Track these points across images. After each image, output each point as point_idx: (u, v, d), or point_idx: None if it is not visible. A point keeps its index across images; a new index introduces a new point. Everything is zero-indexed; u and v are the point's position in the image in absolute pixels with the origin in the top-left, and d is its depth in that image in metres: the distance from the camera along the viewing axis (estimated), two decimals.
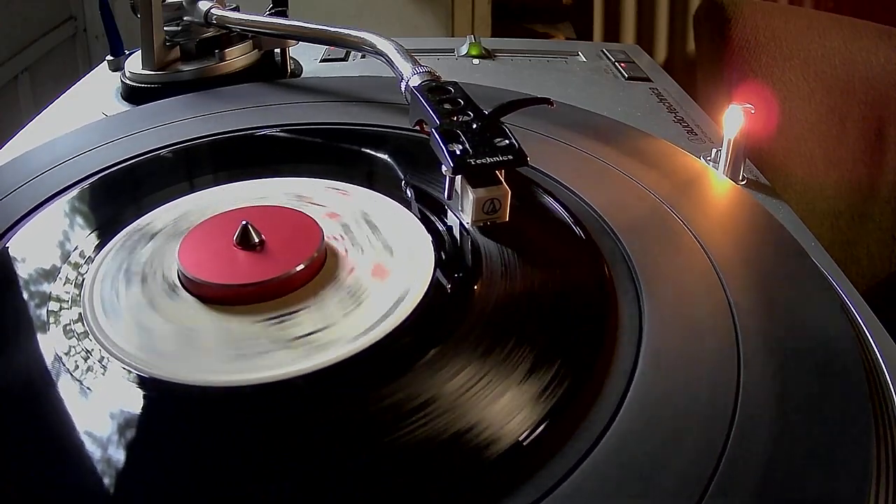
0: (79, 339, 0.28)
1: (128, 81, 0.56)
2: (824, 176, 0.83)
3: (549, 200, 0.37)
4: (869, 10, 0.95)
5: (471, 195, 0.32)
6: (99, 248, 0.34)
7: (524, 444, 0.24)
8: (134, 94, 0.55)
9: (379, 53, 0.44)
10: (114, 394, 0.26)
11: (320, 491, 0.23)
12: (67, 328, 0.29)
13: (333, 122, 0.46)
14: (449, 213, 0.35)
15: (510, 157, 0.31)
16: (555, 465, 0.23)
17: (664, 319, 0.29)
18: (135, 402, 0.26)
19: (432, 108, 0.34)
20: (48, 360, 0.28)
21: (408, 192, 0.38)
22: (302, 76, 0.60)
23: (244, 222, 0.31)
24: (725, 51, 0.87)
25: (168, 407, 0.26)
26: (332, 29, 0.49)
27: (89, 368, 0.27)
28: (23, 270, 0.33)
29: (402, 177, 0.39)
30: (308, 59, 0.64)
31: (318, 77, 0.58)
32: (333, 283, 0.31)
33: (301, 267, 0.30)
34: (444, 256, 0.33)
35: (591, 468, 0.23)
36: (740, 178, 0.44)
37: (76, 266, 0.33)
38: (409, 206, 0.36)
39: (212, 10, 0.55)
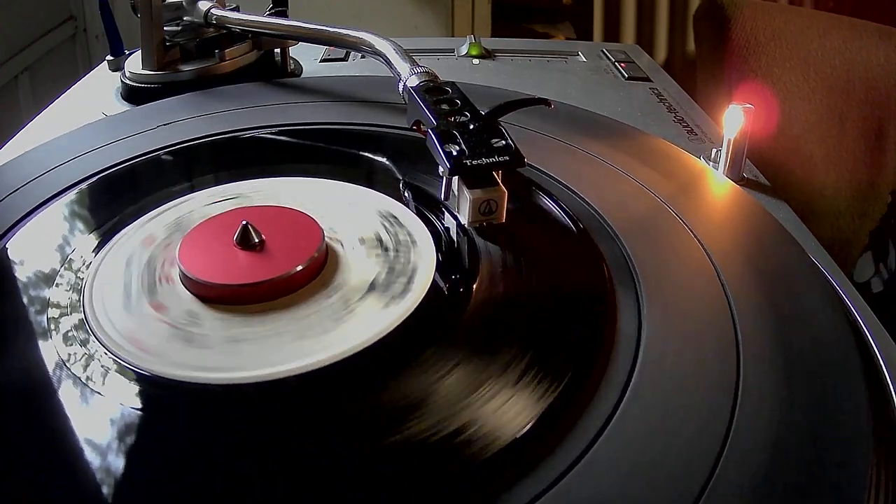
0: (78, 341, 0.28)
1: (128, 81, 0.56)
2: (824, 176, 0.83)
3: (549, 200, 0.37)
4: (869, 10, 0.95)
5: (467, 196, 0.32)
6: (98, 248, 0.34)
7: (522, 443, 0.24)
8: (134, 94, 0.55)
9: (377, 53, 0.44)
10: (113, 394, 0.26)
11: (320, 491, 0.23)
12: (65, 330, 0.29)
13: (333, 122, 0.46)
14: (447, 213, 0.35)
15: (507, 158, 0.31)
16: (553, 463, 0.23)
17: (664, 319, 0.29)
18: (134, 401, 0.26)
19: (429, 109, 0.34)
20: (47, 361, 0.28)
21: (406, 192, 0.38)
22: (302, 76, 0.60)
23: (244, 222, 0.31)
24: (725, 51, 0.87)
25: (167, 406, 0.26)
26: (332, 29, 0.49)
27: (88, 370, 0.27)
28: (21, 271, 0.33)
29: (401, 177, 0.39)
30: (308, 59, 0.64)
31: (318, 77, 0.58)
32: (332, 283, 0.31)
33: (301, 267, 0.30)
34: (442, 258, 0.33)
35: (589, 467, 0.23)
36: (740, 178, 0.44)
37: (75, 267, 0.33)
38: (406, 206, 0.36)
39: (212, 10, 0.55)
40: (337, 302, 0.30)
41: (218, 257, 0.31)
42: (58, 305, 0.30)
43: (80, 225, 0.37)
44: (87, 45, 1.37)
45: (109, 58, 0.62)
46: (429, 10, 1.39)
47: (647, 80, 0.62)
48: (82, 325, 0.29)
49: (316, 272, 0.31)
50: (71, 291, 0.31)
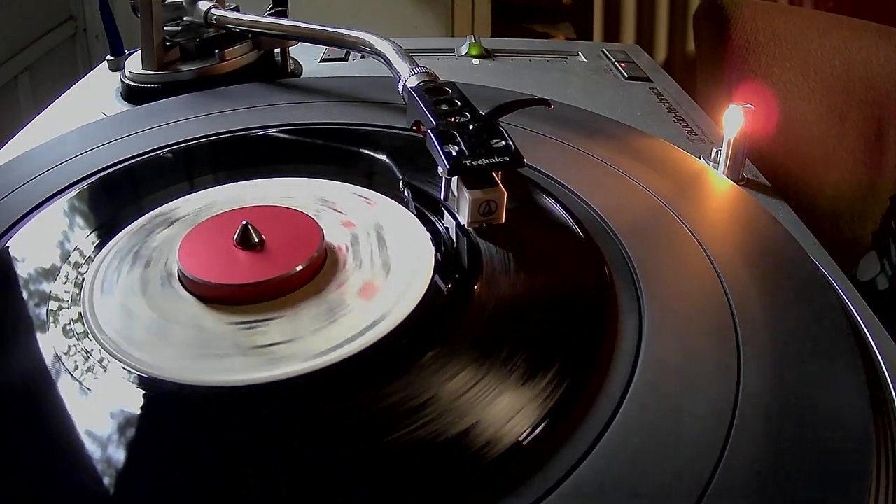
0: (78, 339, 0.28)
1: (128, 81, 0.56)
2: (824, 176, 0.83)
3: (549, 201, 0.37)
4: (869, 10, 0.95)
5: (467, 197, 0.32)
6: (99, 247, 0.34)
7: (523, 444, 0.24)
8: (134, 94, 0.55)
9: (377, 53, 0.44)
10: (113, 394, 0.26)
11: (321, 491, 0.23)
12: (67, 328, 0.29)
13: (333, 122, 0.46)
14: (446, 213, 0.35)
15: (506, 158, 0.31)
16: (554, 465, 0.23)
17: (664, 320, 0.29)
18: (133, 401, 0.26)
19: (429, 109, 0.34)
20: (47, 359, 0.28)
21: (405, 192, 0.38)
22: (302, 76, 0.60)
23: (244, 222, 0.31)
24: (725, 51, 0.87)
25: (166, 406, 0.26)
26: (331, 29, 0.49)
27: (88, 368, 0.27)
28: (22, 270, 0.33)
29: (400, 177, 0.39)
30: (308, 59, 0.64)
31: (318, 77, 0.58)
32: (332, 282, 0.31)
33: (301, 267, 0.30)
34: (441, 258, 0.32)
35: (591, 468, 0.23)
36: (740, 178, 0.44)
37: (76, 266, 0.33)
38: (406, 206, 0.36)
39: (212, 10, 0.55)
40: (338, 301, 0.30)
41: (218, 257, 0.31)
42: (58, 299, 0.30)
43: (79, 224, 0.37)
44: (87, 45, 1.37)
45: (109, 58, 0.62)
46: (429, 10, 1.39)
47: (647, 80, 0.62)
48: (81, 321, 0.29)
49: (316, 271, 0.31)
50: (72, 289, 0.31)
